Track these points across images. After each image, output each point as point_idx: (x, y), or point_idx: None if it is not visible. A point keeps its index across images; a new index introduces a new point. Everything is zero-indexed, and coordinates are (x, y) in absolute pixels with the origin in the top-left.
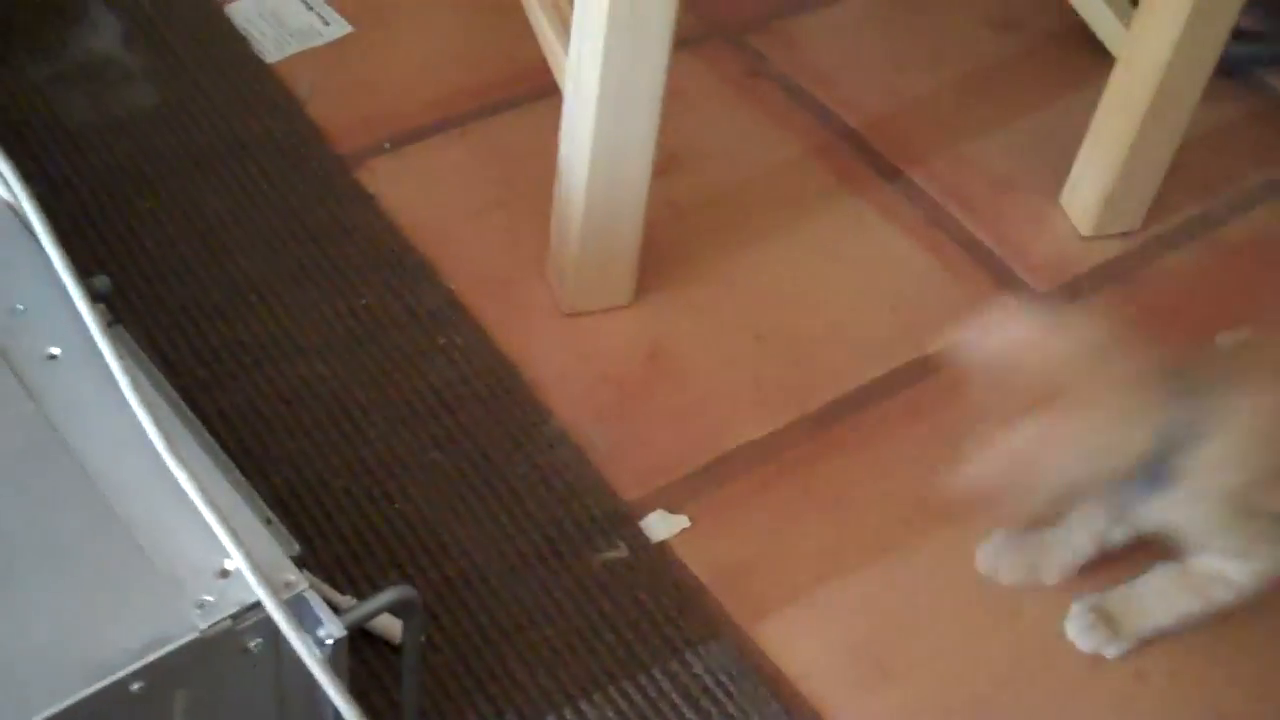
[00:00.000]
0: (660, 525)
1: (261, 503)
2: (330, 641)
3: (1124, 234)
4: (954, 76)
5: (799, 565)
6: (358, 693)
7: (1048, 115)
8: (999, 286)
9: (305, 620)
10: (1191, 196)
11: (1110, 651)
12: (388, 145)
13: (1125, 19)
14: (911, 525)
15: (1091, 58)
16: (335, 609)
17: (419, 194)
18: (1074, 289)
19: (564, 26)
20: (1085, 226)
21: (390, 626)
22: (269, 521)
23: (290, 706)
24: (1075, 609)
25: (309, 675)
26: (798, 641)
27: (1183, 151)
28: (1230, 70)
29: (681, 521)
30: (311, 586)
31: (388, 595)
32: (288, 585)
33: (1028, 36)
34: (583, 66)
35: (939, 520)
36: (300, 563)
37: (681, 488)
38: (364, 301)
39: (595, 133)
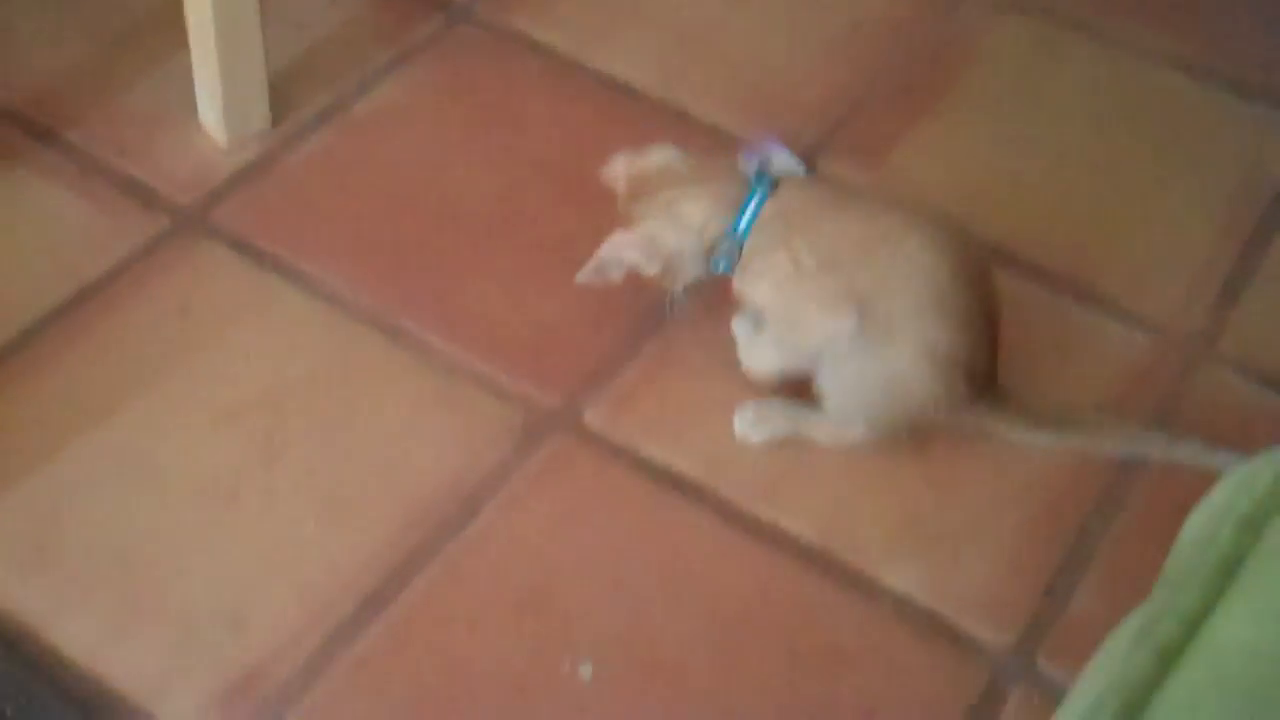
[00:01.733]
0: None
1: None
2: None
3: (259, 136)
4: (107, 38)
5: None
6: None
7: (187, 52)
8: (149, 209)
9: None
10: (321, 88)
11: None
12: None
13: None
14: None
15: None
16: None
17: None
18: (220, 194)
19: None
20: (223, 139)
21: None
22: None
23: None
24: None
25: None
26: None
27: (312, 47)
28: None
29: None
30: None
31: None
32: None
33: None
34: None
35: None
36: None
37: None
38: None
39: None
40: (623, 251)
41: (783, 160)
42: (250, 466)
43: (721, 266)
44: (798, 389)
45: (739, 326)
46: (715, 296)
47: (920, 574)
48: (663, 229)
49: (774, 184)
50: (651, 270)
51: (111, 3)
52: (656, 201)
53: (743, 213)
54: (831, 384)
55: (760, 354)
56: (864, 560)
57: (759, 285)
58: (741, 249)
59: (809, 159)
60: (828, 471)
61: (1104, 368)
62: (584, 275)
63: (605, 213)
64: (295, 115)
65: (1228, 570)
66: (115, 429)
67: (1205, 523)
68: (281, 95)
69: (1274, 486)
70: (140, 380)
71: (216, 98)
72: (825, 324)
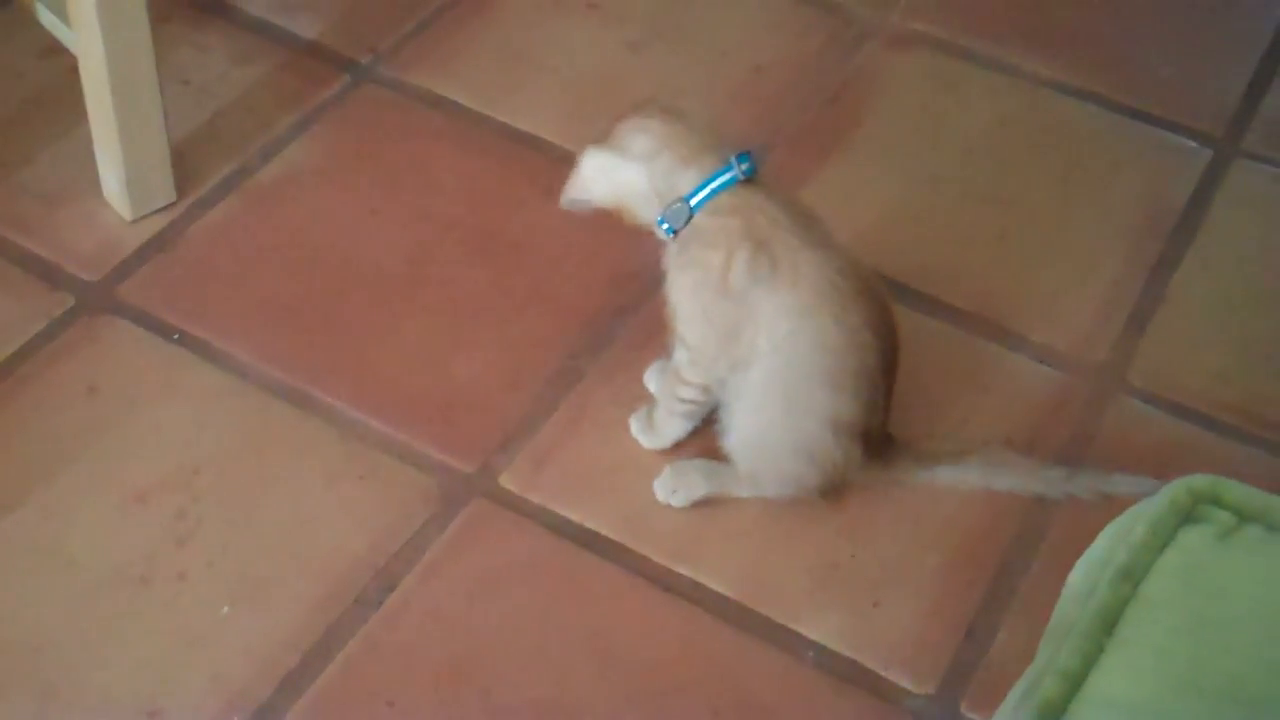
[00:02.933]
0: None
1: None
2: None
3: (163, 208)
4: (3, 112)
5: None
6: None
7: (87, 124)
8: (53, 287)
9: None
10: (225, 156)
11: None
12: None
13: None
14: None
15: None
16: None
17: None
18: (125, 269)
19: None
20: (127, 212)
21: None
22: None
23: None
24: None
25: None
26: None
27: (215, 114)
28: None
29: None
30: None
31: None
32: None
33: (70, 56)
34: None
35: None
36: None
37: None
38: None
39: None
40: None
41: None
42: (162, 549)
43: (665, 228)
44: (711, 449)
45: (634, 424)
46: (627, 352)
47: (841, 624)
48: (612, 160)
49: (752, 173)
50: (601, 200)
51: (7, 76)
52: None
53: (706, 184)
54: (737, 447)
55: (655, 438)
56: (784, 613)
57: (681, 277)
58: (688, 222)
59: None
60: (745, 526)
61: (1016, 402)
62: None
63: (515, 269)
64: (199, 184)
65: (1107, 624)
66: (23, 516)
67: (1086, 574)
68: (185, 164)
69: (1149, 537)
70: (48, 465)
71: (118, 170)
72: (710, 362)
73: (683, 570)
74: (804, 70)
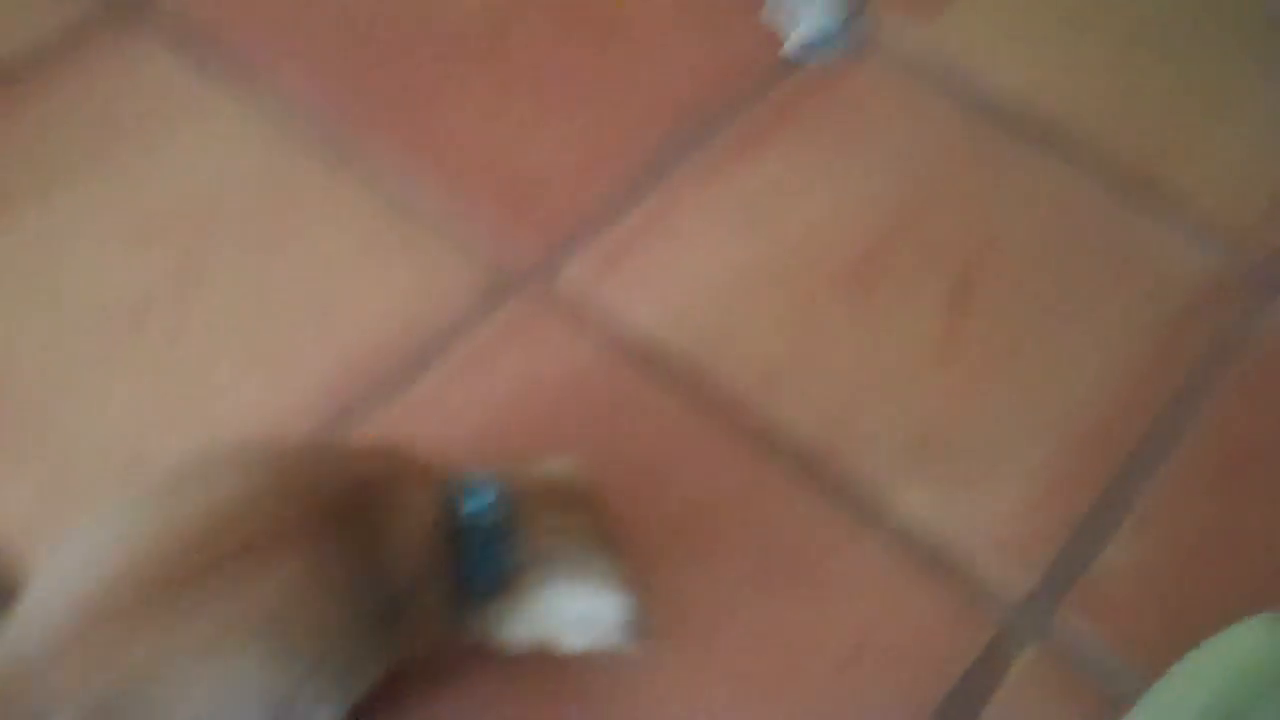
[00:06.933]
0: None
1: None
2: None
3: None
4: None
5: None
6: None
7: None
8: None
9: None
10: None
11: None
12: None
13: None
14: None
15: None
16: None
17: None
18: None
19: None
20: None
21: None
22: None
23: None
24: None
25: None
26: None
27: None
28: None
29: None
30: None
31: None
32: None
33: None
34: None
35: None
36: None
37: None
38: None
39: None
40: None
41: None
42: (161, 293)
43: None
44: None
45: None
46: (724, 158)
47: (930, 499)
48: None
49: None
50: None
51: None
52: None
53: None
54: None
55: None
56: (867, 474)
57: None
58: None
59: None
60: (842, 367)
61: (1159, 287)
62: None
63: (607, 50)
64: None
65: None
66: (13, 234)
67: None
68: None
69: None
70: (49, 182)
71: None
72: None
73: (759, 406)
74: None
